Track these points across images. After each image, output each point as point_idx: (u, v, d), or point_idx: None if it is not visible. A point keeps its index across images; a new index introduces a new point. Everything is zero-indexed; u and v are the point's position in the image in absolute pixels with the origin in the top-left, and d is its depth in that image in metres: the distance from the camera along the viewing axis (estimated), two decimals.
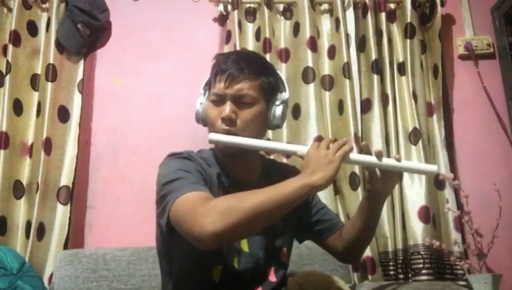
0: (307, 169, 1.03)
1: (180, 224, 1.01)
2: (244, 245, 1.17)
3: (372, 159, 1.11)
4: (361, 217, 1.23)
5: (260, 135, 1.20)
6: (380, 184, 1.16)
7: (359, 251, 1.34)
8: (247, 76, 1.15)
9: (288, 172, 1.24)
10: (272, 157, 1.77)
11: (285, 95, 1.23)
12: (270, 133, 1.92)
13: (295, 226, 1.30)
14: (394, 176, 1.16)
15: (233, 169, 1.20)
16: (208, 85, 1.22)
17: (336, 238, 1.30)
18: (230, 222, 0.93)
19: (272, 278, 1.21)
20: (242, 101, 1.15)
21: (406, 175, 1.98)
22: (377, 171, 1.15)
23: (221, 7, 2.20)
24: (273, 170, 1.27)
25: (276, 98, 1.21)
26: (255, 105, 1.16)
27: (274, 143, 1.19)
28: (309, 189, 1.00)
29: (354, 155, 1.10)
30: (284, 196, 0.98)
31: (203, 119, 1.22)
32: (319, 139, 1.99)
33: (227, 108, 1.14)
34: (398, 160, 1.11)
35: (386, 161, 1.11)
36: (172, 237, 1.06)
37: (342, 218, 1.92)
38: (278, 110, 1.19)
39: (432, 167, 1.13)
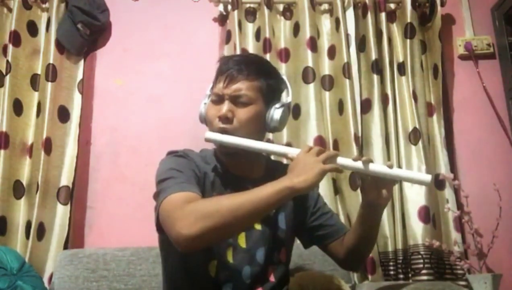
0: (292, 172, 1.04)
1: (163, 225, 1.04)
2: (242, 240, 1.17)
3: (360, 165, 1.06)
4: (360, 225, 1.22)
5: (258, 136, 1.20)
6: (374, 194, 1.12)
7: (360, 259, 1.32)
8: (246, 76, 1.17)
9: None
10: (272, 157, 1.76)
11: (287, 99, 1.24)
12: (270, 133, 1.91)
13: (297, 229, 1.30)
14: (387, 185, 1.12)
15: (232, 167, 1.22)
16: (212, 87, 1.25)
17: (338, 244, 1.29)
18: (205, 226, 0.96)
19: (271, 278, 1.21)
20: (240, 101, 1.17)
21: None
22: (369, 179, 1.11)
23: (221, 7, 2.20)
24: (278, 170, 1.26)
25: (276, 101, 1.22)
26: (251, 105, 1.17)
27: (266, 144, 1.20)
28: (288, 191, 1.00)
29: (342, 160, 1.08)
30: (262, 199, 0.99)
31: (205, 119, 1.25)
32: (319, 139, 2.00)
33: (225, 107, 1.17)
34: (390, 166, 1.08)
35: (375, 167, 1.07)
36: (164, 234, 1.07)
37: (341, 217, 1.93)
38: (277, 112, 1.20)
39: (425, 177, 1.06)
